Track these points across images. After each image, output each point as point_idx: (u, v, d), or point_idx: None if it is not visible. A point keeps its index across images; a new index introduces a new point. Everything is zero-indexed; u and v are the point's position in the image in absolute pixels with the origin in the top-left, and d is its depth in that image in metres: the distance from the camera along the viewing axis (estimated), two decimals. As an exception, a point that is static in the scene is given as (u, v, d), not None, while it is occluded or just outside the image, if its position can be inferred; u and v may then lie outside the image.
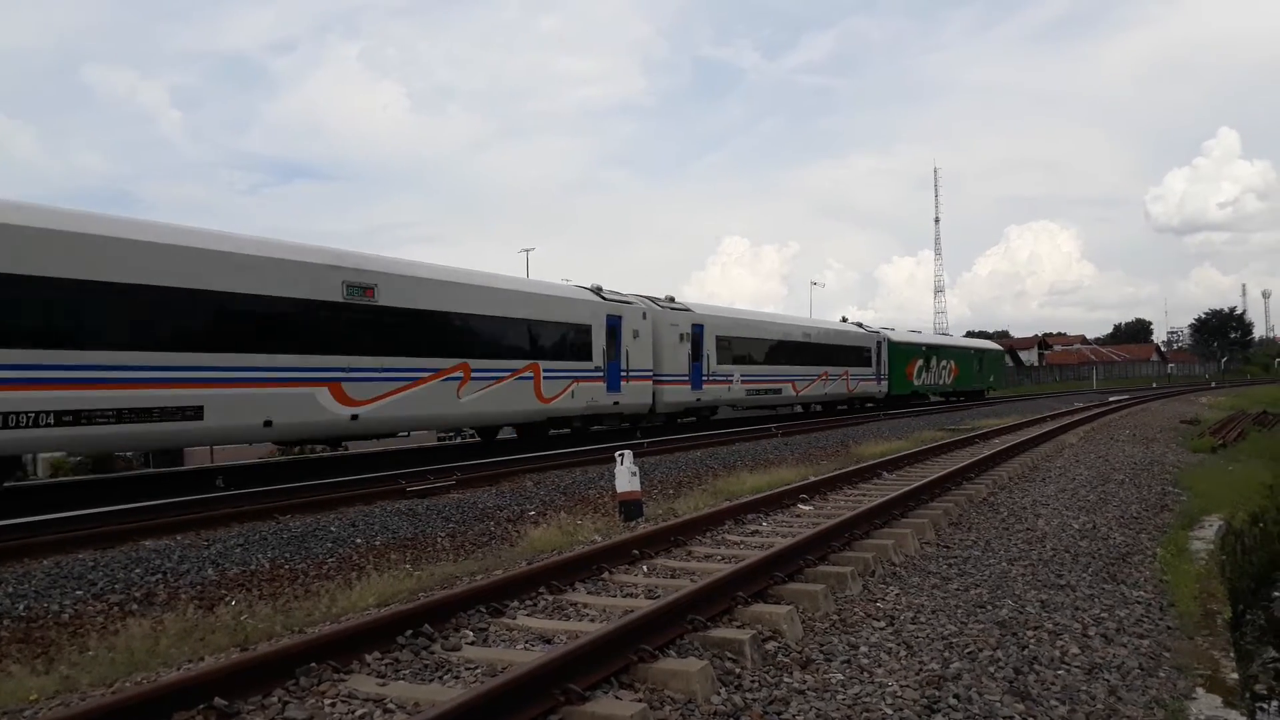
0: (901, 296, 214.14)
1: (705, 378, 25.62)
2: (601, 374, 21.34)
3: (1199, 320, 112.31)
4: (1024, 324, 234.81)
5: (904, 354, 40.23)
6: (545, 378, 19.47)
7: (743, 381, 27.53)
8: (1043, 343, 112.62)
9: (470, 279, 18.23)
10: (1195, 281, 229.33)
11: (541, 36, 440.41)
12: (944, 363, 44.33)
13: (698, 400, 25.61)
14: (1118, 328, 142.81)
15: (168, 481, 14.32)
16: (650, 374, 23.39)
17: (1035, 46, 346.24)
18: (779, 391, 30.06)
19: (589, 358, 20.94)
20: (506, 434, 24.90)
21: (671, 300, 25.44)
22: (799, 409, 35.02)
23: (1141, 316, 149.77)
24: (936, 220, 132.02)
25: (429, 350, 16.54)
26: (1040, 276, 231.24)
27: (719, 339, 26.42)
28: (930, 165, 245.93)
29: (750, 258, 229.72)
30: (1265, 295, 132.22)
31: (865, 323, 41.19)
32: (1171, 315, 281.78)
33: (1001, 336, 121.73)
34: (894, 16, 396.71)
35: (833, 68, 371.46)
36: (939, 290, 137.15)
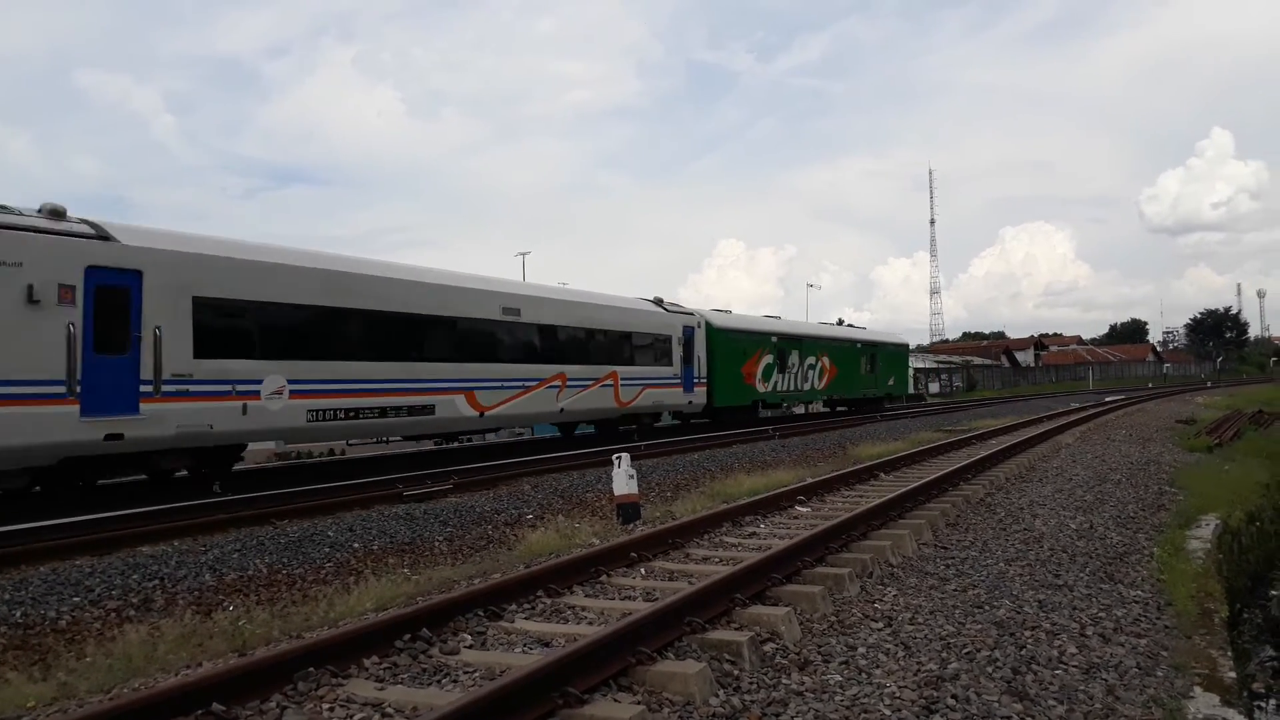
0: (897, 298, 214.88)
1: (152, 387, 12.15)
2: None
3: (1194, 320, 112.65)
4: (1020, 325, 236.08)
5: (739, 346, 27.70)
6: None
7: (297, 394, 14.10)
8: (1039, 343, 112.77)
9: None
10: (1190, 281, 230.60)
11: (536, 40, 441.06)
12: (812, 360, 32.02)
13: (114, 438, 11.71)
14: (1113, 328, 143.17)
15: (164, 487, 14.28)
16: None
17: (1028, 48, 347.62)
18: (427, 410, 16.33)
19: None
20: (504, 437, 24.61)
21: (49, 212, 11.69)
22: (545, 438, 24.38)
23: (1137, 317, 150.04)
24: (932, 222, 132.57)
25: None
26: (1035, 277, 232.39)
27: (206, 305, 13.01)
28: (924, 167, 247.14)
29: (746, 260, 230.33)
30: (1260, 295, 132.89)
31: (671, 301, 26.57)
32: (1167, 315, 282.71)
33: (998, 337, 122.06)
34: (886, 19, 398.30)
35: (826, 70, 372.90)
36: (934, 292, 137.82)
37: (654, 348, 24.04)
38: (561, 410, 20.54)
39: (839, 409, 36.65)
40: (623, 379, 22.48)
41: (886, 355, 39.25)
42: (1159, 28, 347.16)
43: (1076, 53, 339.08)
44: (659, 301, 25.78)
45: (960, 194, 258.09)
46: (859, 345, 36.97)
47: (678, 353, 24.88)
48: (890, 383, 39.56)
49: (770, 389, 29.42)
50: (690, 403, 25.66)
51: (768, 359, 29.12)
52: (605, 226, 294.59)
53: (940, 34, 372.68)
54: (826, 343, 33.98)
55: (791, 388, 30.85)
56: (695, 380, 25.63)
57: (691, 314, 26.17)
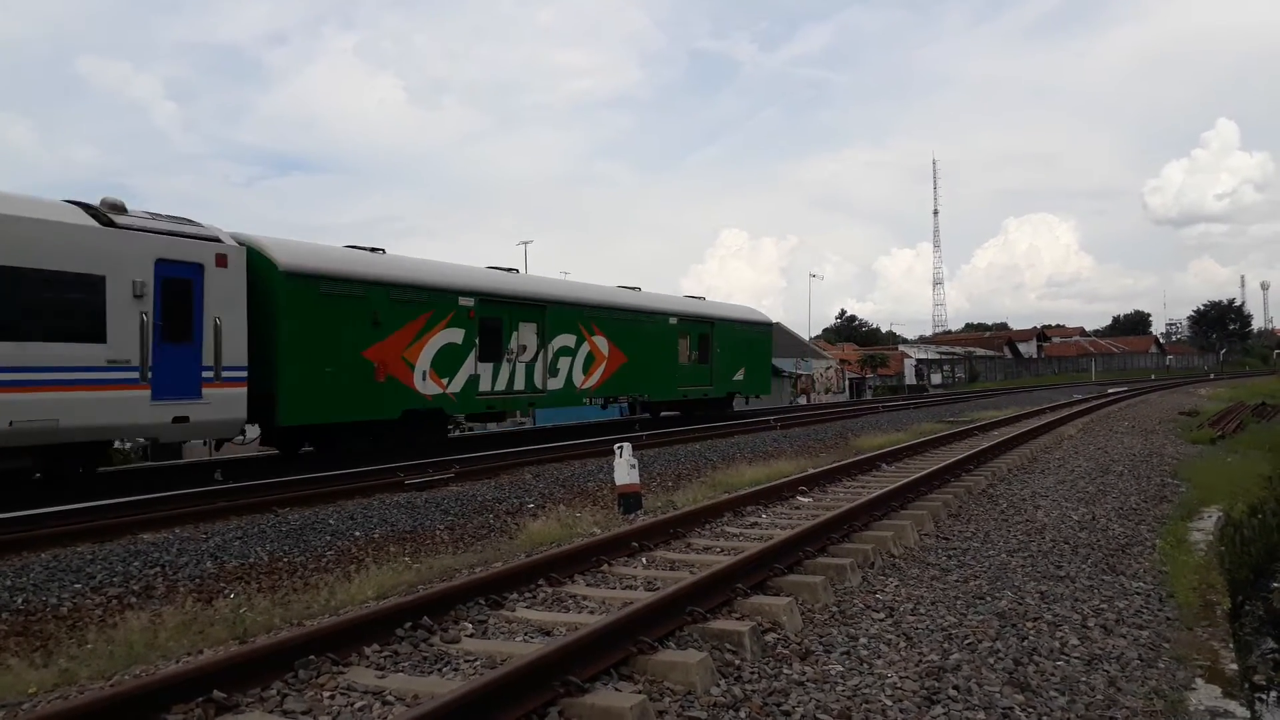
0: (900, 289, 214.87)
1: None
2: None
3: (1197, 312, 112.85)
4: (1023, 316, 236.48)
5: (359, 309, 14.97)
6: None
7: None
8: (1041, 335, 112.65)
9: None
10: (1194, 273, 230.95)
11: (538, 29, 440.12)
12: (568, 340, 19.87)
13: None
14: (1116, 319, 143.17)
15: (166, 475, 14.30)
16: None
17: (1032, 38, 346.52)
18: None
19: None
20: (511, 426, 24.59)
21: None
22: None
23: (1140, 308, 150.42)
24: (935, 212, 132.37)
25: None
26: (1038, 269, 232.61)
27: None
28: (927, 158, 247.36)
29: (749, 251, 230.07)
30: (1264, 287, 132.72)
31: (165, 212, 12.95)
32: (1170, 307, 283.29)
33: (1000, 329, 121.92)
34: (890, 9, 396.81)
35: (829, 60, 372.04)
36: (938, 282, 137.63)
37: (21, 301, 10.96)
38: None
39: (666, 414, 25.44)
40: None
41: (730, 338, 26.24)
42: (1164, 18, 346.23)
43: (1080, 44, 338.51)
44: (109, 210, 12.09)
45: (963, 185, 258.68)
46: (674, 321, 23.74)
47: (132, 313, 11.98)
48: (738, 378, 26.72)
49: (460, 387, 16.95)
50: (181, 419, 12.56)
51: (452, 336, 16.72)
52: (607, 216, 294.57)
53: (943, 25, 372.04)
54: (605, 314, 21.04)
55: (519, 385, 18.50)
56: (207, 374, 12.85)
57: (215, 239, 13.06)
